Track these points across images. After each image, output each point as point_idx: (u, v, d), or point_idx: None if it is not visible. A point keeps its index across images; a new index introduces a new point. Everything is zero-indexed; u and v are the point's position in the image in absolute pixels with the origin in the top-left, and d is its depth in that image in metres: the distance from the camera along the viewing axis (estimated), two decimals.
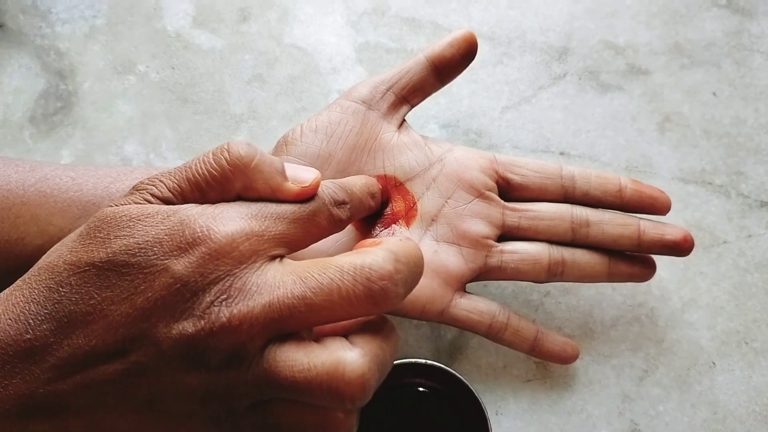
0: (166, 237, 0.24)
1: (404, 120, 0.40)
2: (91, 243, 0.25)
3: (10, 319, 0.24)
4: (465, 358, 0.44)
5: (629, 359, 0.44)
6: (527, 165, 0.41)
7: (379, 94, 0.39)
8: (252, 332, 0.23)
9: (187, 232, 0.24)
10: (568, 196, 0.40)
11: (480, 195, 0.39)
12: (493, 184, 0.40)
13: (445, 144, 0.41)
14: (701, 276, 0.45)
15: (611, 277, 0.40)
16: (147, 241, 0.24)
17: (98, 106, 0.48)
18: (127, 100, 0.48)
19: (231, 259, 0.24)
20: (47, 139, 0.47)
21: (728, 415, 0.43)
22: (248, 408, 0.24)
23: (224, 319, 0.23)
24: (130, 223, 0.25)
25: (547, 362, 0.43)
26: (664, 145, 0.48)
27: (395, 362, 0.39)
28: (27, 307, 0.24)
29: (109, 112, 0.48)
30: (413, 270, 0.26)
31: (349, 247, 0.38)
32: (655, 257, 0.41)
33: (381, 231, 0.39)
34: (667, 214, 0.41)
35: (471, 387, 0.38)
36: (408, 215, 0.39)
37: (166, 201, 0.27)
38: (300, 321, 0.24)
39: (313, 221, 0.28)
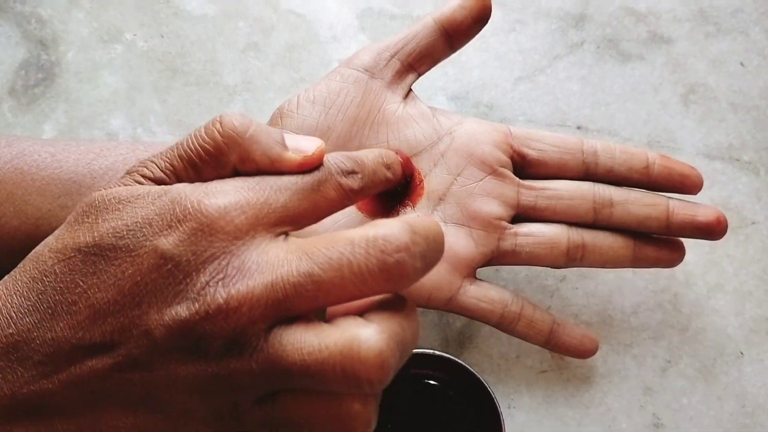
0: (156, 217, 0.23)
1: (410, 90, 0.38)
2: (78, 228, 0.23)
3: None
4: (475, 347, 0.42)
5: (651, 348, 0.42)
6: (545, 139, 0.38)
7: (383, 61, 0.37)
8: (253, 315, 0.22)
9: (177, 210, 0.23)
10: (589, 172, 0.38)
11: (493, 172, 0.37)
12: (507, 160, 0.38)
13: (455, 116, 0.38)
14: (728, 259, 0.43)
15: (636, 263, 0.38)
16: (136, 222, 0.23)
17: (82, 78, 0.46)
18: (113, 70, 0.47)
19: (226, 235, 0.22)
20: (28, 113, 0.46)
21: (757, 408, 0.41)
22: (255, 402, 0.22)
23: (221, 300, 0.22)
24: (119, 206, 0.24)
25: None
26: (688, 119, 0.46)
27: None
28: (10, 300, 0.23)
29: (94, 84, 0.46)
30: (432, 244, 0.23)
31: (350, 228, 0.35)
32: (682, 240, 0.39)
33: (385, 211, 0.37)
34: (687, 196, 0.39)
35: (482, 379, 0.37)
36: (414, 194, 0.37)
37: (158, 181, 0.25)
38: (308, 301, 0.22)
39: (319, 192, 0.26)
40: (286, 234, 0.24)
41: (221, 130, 0.25)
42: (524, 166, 0.38)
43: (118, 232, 0.23)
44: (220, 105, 0.46)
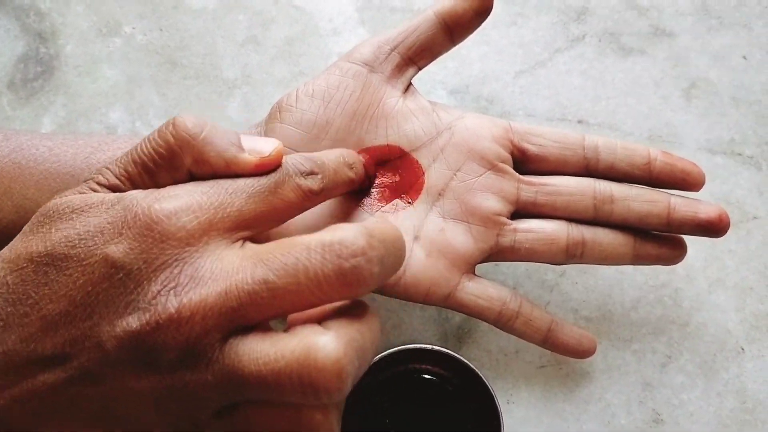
0: (108, 225, 0.23)
1: (410, 84, 0.38)
2: (32, 237, 0.23)
3: None
4: (474, 342, 0.41)
5: (651, 344, 0.42)
6: (545, 134, 0.38)
7: (383, 55, 0.36)
8: (206, 324, 0.21)
9: (128, 216, 0.22)
10: (590, 169, 0.37)
11: (492, 167, 0.37)
12: (507, 155, 0.37)
13: (455, 111, 0.38)
14: (729, 254, 0.43)
15: (636, 260, 0.37)
16: (88, 231, 0.23)
17: (81, 71, 0.46)
18: (113, 64, 0.46)
19: (177, 241, 0.22)
20: (27, 106, 0.45)
21: (758, 404, 0.40)
22: (213, 415, 0.22)
23: (172, 309, 0.21)
24: (73, 215, 0.23)
25: None
26: (690, 114, 0.46)
27: (400, 348, 0.37)
28: None
29: (93, 77, 0.46)
30: (391, 249, 0.22)
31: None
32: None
33: (381, 207, 0.36)
34: (689, 193, 0.38)
35: (480, 374, 0.36)
36: (414, 188, 0.37)
37: (113, 188, 0.25)
38: (263, 309, 0.21)
39: (276, 194, 0.25)
40: (244, 240, 0.24)
41: (174, 132, 0.25)
42: (524, 162, 0.38)
43: (70, 241, 0.22)
44: (220, 98, 0.45)
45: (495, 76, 0.46)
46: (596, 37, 0.47)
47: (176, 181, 0.25)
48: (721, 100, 0.46)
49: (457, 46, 0.38)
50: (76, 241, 0.22)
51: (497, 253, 0.37)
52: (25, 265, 0.22)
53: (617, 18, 0.47)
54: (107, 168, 0.25)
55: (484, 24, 0.37)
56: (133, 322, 0.21)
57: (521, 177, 0.37)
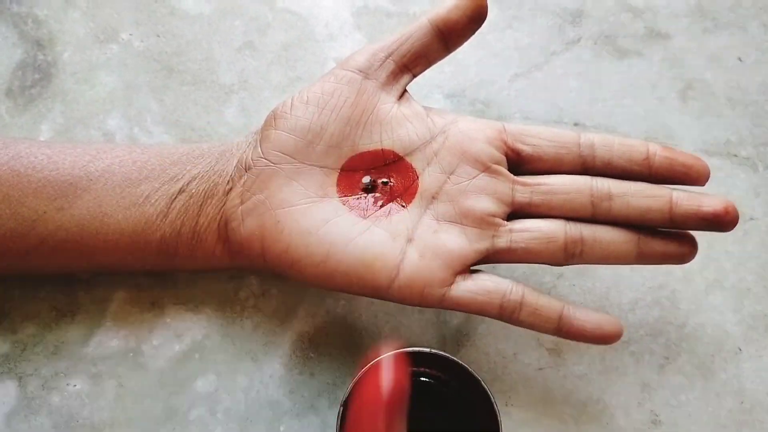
0: None
1: (405, 90, 0.38)
2: None
3: None
4: (472, 345, 0.41)
5: (649, 345, 0.41)
6: (540, 134, 0.37)
7: (378, 62, 0.36)
8: None
9: None
10: (587, 167, 0.37)
11: (486, 169, 0.36)
12: (501, 157, 0.37)
13: (449, 115, 0.38)
14: (726, 255, 0.43)
15: (641, 258, 0.36)
16: None
17: (79, 78, 0.46)
18: (110, 70, 0.46)
19: None
20: (25, 114, 0.45)
21: (756, 404, 0.40)
22: None
23: None
24: None
25: (560, 349, 0.41)
26: (686, 115, 0.46)
27: (397, 351, 0.36)
28: None
29: (91, 84, 0.46)
30: None
31: (340, 227, 0.36)
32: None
33: (376, 210, 0.36)
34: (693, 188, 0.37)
35: (478, 377, 0.36)
36: (408, 192, 0.37)
37: None
38: None
39: None
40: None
41: None
42: (519, 163, 0.37)
43: None
44: (217, 104, 0.45)
45: (491, 80, 0.46)
46: (592, 40, 0.47)
47: None
48: (717, 102, 0.45)
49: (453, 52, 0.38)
50: None
51: (494, 255, 0.36)
52: None
53: (613, 20, 0.47)
54: None
55: (480, 29, 0.37)
56: None
57: (516, 178, 0.37)
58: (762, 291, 0.42)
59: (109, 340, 0.39)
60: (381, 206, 0.36)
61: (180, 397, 0.39)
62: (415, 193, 0.36)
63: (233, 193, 0.36)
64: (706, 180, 0.36)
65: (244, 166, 0.36)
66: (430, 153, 0.37)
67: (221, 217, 0.36)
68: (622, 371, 0.41)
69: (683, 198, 0.35)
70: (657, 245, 0.36)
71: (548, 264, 0.37)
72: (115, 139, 0.45)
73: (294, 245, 0.35)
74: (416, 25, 0.37)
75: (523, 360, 0.41)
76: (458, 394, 0.37)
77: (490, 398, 0.35)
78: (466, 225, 0.36)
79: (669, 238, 0.36)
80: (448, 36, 0.37)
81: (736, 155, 0.44)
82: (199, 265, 0.38)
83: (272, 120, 0.36)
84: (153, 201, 0.36)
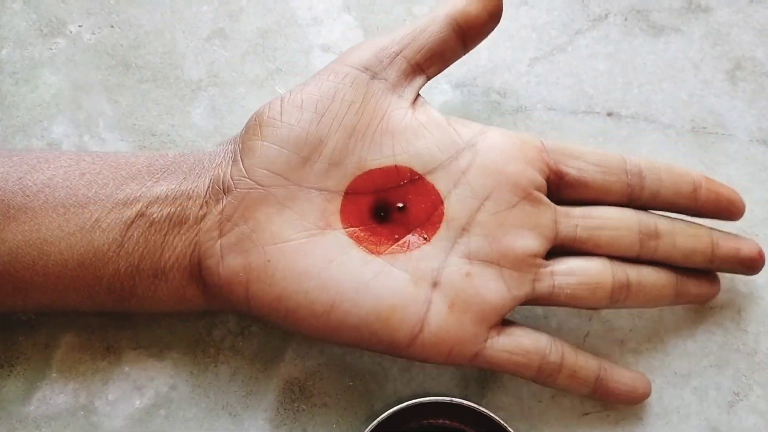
0: None
1: (419, 95, 0.34)
2: None
3: None
4: (500, 387, 0.36)
5: (714, 379, 0.37)
6: (584, 155, 0.34)
7: (387, 58, 0.32)
8: None
9: None
10: (633, 197, 0.34)
11: (527, 196, 0.32)
12: (542, 181, 0.33)
13: (474, 125, 0.33)
14: None
15: (676, 301, 0.35)
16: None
17: (19, 78, 0.42)
18: (56, 68, 0.42)
19: None
20: None
21: None
22: None
23: None
24: None
25: None
26: (737, 99, 0.41)
27: (411, 402, 0.32)
28: None
29: (33, 85, 0.42)
30: None
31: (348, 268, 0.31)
32: None
33: (390, 246, 0.31)
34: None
35: (509, 428, 0.32)
36: (431, 221, 0.32)
37: None
38: None
39: None
40: None
41: None
42: (560, 187, 0.34)
43: None
44: (182, 103, 0.41)
45: (506, 66, 0.42)
46: (621, 15, 0.43)
47: None
48: None
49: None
50: None
51: (533, 301, 0.32)
52: None
53: None
54: None
55: None
56: None
57: (558, 208, 0.33)
58: None
59: (55, 396, 0.36)
60: (397, 239, 0.31)
61: None
62: (439, 223, 0.32)
63: (208, 222, 0.31)
64: (742, 215, 0.36)
65: (221, 186, 0.31)
66: (456, 172, 0.32)
67: (193, 251, 0.31)
68: (685, 412, 0.36)
69: (722, 239, 0.35)
70: (692, 287, 0.35)
71: (587, 309, 0.35)
72: (61, 149, 0.40)
73: (289, 292, 0.30)
74: (429, 18, 0.33)
75: (564, 404, 0.36)
76: None
77: None
78: (504, 266, 0.32)
79: (701, 279, 0.35)
80: (467, 31, 0.34)
81: None
82: (163, 307, 0.33)
83: (256, 127, 0.31)
84: (103, 227, 0.31)
